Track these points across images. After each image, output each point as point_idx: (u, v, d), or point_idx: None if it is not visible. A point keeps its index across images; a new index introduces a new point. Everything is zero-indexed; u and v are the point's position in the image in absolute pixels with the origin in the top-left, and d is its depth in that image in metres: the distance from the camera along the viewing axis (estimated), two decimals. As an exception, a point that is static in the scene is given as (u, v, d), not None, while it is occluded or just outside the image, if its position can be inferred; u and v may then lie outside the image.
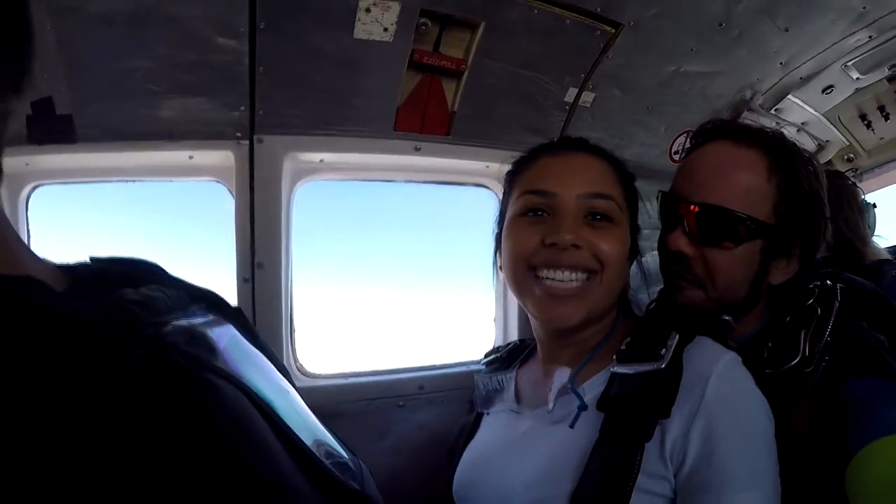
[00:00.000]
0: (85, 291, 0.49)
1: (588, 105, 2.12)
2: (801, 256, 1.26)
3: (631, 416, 0.98)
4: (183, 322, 0.55)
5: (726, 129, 1.28)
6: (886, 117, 2.84)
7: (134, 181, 1.87)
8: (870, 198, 2.48)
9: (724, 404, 0.94)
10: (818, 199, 1.23)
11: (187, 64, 1.59)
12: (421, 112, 1.93)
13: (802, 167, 1.21)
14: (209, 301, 0.67)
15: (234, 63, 1.63)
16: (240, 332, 0.70)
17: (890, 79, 2.59)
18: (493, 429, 1.30)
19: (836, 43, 2.23)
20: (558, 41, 1.91)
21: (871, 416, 0.99)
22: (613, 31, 1.93)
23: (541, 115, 2.09)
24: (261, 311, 1.87)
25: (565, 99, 2.08)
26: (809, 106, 2.62)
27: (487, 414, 1.34)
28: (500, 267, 1.26)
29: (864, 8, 2.05)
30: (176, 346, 0.48)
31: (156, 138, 1.70)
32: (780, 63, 2.28)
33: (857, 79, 2.52)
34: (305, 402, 1.85)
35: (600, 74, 2.04)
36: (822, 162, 3.00)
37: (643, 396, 0.98)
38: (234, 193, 1.83)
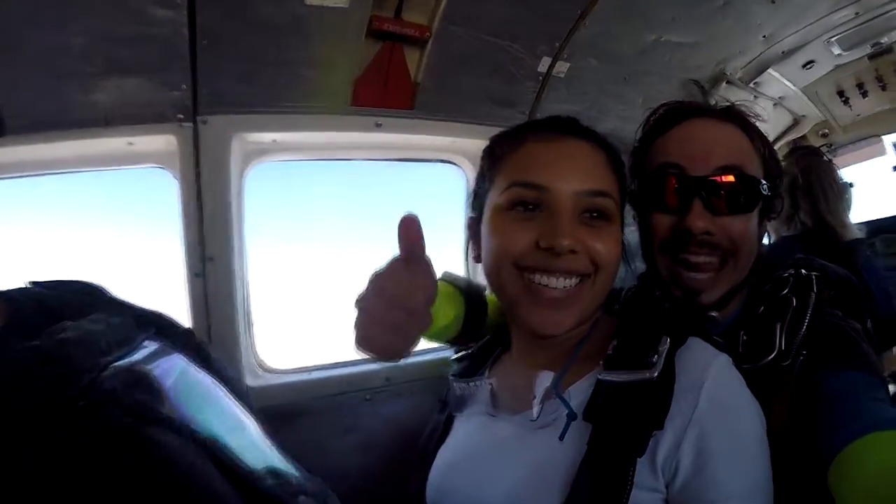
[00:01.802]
0: (24, 326, 0.47)
1: (562, 75, 1.93)
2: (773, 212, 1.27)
3: (623, 429, 0.89)
4: (125, 362, 0.52)
5: (698, 109, 1.24)
6: (864, 94, 2.80)
7: (70, 173, 1.63)
8: (843, 173, 2.42)
9: (717, 413, 0.87)
10: (779, 162, 1.27)
11: (121, 39, 1.37)
12: (382, 84, 1.70)
13: (765, 137, 1.24)
14: (157, 325, 0.63)
15: (172, 37, 1.42)
16: (192, 357, 0.66)
17: (871, 56, 2.53)
18: (467, 432, 1.18)
19: (820, 18, 2.13)
20: (532, 6, 1.71)
21: (852, 411, 0.94)
22: (591, -6, 1.73)
23: (512, 86, 1.90)
24: (215, 307, 1.67)
25: (538, 69, 1.88)
26: (788, 80, 2.54)
27: (461, 414, 1.22)
28: (476, 258, 1.12)
29: (852, -17, 1.92)
30: (116, 396, 0.46)
31: (91, 125, 1.49)
32: (763, 36, 2.15)
33: (839, 55, 2.45)
34: (268, 400, 1.65)
35: (576, 43, 1.84)
36: (797, 136, 2.93)
37: (635, 407, 0.89)
38: (179, 181, 1.61)
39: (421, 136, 1.87)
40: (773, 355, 1.07)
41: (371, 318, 0.95)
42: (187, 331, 0.71)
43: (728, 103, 1.27)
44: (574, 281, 0.98)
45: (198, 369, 0.68)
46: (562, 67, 1.89)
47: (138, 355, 0.56)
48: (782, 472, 0.92)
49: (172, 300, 1.65)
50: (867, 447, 0.87)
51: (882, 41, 2.43)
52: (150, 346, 0.60)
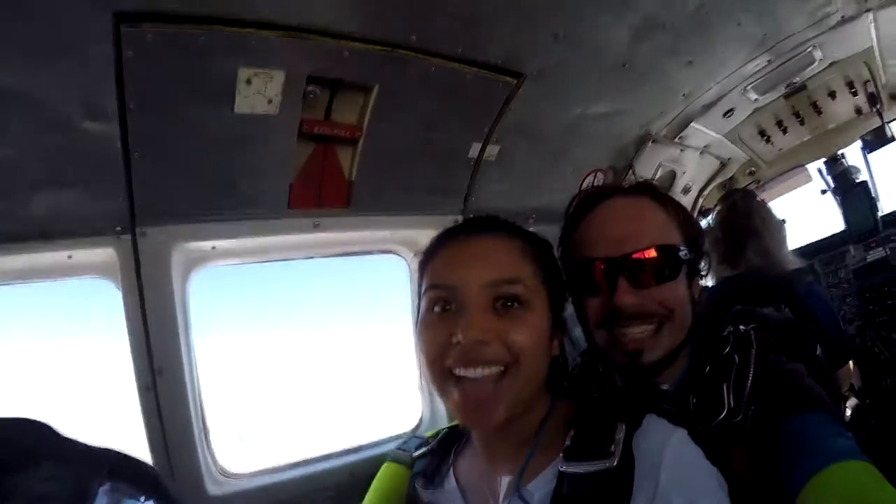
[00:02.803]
0: None
1: (493, 159, 1.95)
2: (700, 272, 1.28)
3: None
4: None
5: (609, 191, 1.27)
6: (784, 131, 2.93)
7: (8, 285, 1.56)
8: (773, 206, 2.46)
9: (678, 490, 0.87)
10: (695, 221, 1.29)
11: (54, 152, 1.35)
12: (317, 185, 1.69)
13: (677, 202, 1.27)
14: (110, 464, 0.59)
15: (106, 148, 1.39)
16: (150, 495, 0.62)
17: (787, 95, 2.64)
18: None
19: (736, 70, 2.20)
20: (459, 97, 1.73)
21: (811, 448, 0.96)
22: (516, 81, 1.76)
23: (445, 174, 1.91)
24: (168, 419, 1.60)
25: (469, 155, 1.90)
26: (711, 130, 2.62)
27: None
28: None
29: (763, 35, 2.02)
30: None
31: (26, 239, 1.43)
32: (683, 95, 2.21)
33: (756, 100, 2.54)
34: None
35: (504, 126, 1.87)
36: (726, 178, 3.02)
37: (598, 497, 0.89)
38: (121, 293, 1.55)
39: (359, 232, 1.85)
40: (723, 414, 1.08)
41: None
42: (142, 465, 0.66)
43: (639, 180, 1.34)
44: (494, 370, 0.96)
45: None
46: (492, 151, 1.91)
47: None
48: None
49: (125, 412, 1.59)
50: (829, 478, 0.89)
51: (795, 81, 2.55)
52: (104, 497, 0.56)
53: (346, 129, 1.64)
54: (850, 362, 2.32)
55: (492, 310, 0.98)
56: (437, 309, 1.01)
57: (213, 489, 1.65)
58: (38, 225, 1.43)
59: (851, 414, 2.50)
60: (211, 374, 1.74)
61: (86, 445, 0.59)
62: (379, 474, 1.35)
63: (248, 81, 1.44)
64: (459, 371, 0.96)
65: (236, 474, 1.75)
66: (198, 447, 1.64)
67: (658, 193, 1.25)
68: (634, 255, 1.14)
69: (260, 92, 1.47)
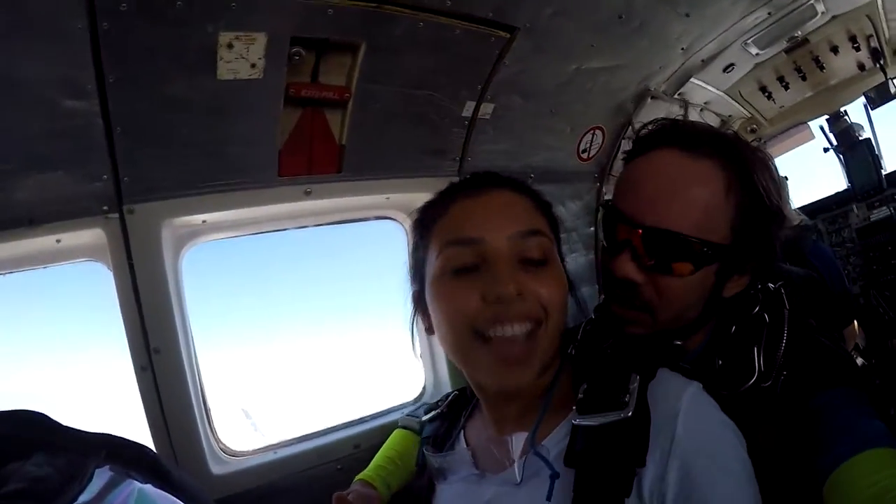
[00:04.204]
0: None
1: (488, 117, 1.85)
2: (754, 269, 1.07)
3: (606, 472, 0.84)
4: None
5: (675, 135, 1.04)
6: (786, 87, 2.80)
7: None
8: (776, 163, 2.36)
9: (696, 440, 0.83)
10: (778, 213, 1.03)
11: (35, 135, 1.27)
12: (307, 151, 1.60)
13: (763, 179, 1.00)
14: (106, 447, 0.57)
15: (87, 127, 1.31)
16: (147, 476, 0.60)
17: (788, 50, 2.52)
18: (452, 498, 1.09)
19: (735, 23, 2.09)
20: (450, 54, 1.63)
21: (843, 428, 0.90)
22: (508, 35, 1.66)
23: (439, 134, 1.81)
24: (167, 399, 1.52)
25: (463, 114, 1.80)
26: (711, 85, 2.52)
27: (444, 480, 1.12)
28: (428, 330, 1.03)
29: (762, -14, 1.88)
30: None
31: (14, 226, 1.36)
32: (682, 49, 2.10)
33: (757, 54, 2.43)
34: (238, 486, 1.51)
35: (498, 83, 1.77)
36: None
37: (615, 449, 0.84)
38: (113, 274, 1.48)
39: (353, 197, 1.75)
40: (753, 379, 1.00)
41: None
42: (141, 448, 0.65)
43: (718, 130, 1.07)
44: (528, 326, 0.91)
45: (155, 490, 0.60)
46: (487, 109, 1.81)
47: (88, 495, 0.51)
48: (775, 491, 0.86)
49: (124, 394, 1.52)
50: (860, 465, 0.84)
51: (796, 35, 2.43)
52: (101, 477, 0.54)
53: (334, 92, 1.54)
54: (855, 322, 2.23)
55: (518, 264, 0.92)
56: (457, 269, 0.93)
57: (216, 469, 1.58)
58: (23, 210, 1.35)
59: (856, 375, 2.42)
60: (211, 351, 1.66)
61: (82, 432, 0.57)
62: (389, 439, 1.28)
63: (230, 46, 1.35)
64: (494, 331, 0.90)
65: (240, 452, 1.68)
66: (199, 426, 1.57)
67: (733, 158, 1.00)
68: (645, 231, 1.00)
69: (242, 56, 1.38)
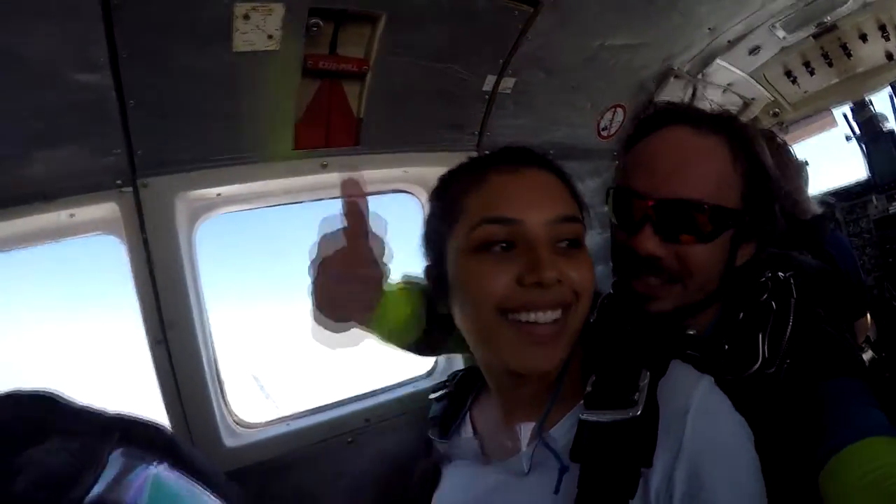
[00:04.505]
0: None
1: (509, 91, 1.79)
2: (760, 237, 1.13)
3: (611, 470, 0.83)
4: (92, 495, 0.45)
5: (681, 114, 1.10)
6: (812, 72, 2.75)
7: (10, 251, 1.46)
8: (797, 149, 2.35)
9: (705, 439, 0.81)
10: (776, 179, 1.12)
11: (48, 110, 1.24)
12: (324, 124, 1.56)
13: (761, 150, 1.09)
14: (121, 429, 0.54)
15: (100, 101, 1.27)
16: (164, 458, 0.57)
17: (816, 35, 2.47)
18: (458, 483, 1.10)
19: (765, 5, 2.02)
20: (471, 27, 1.58)
21: (843, 417, 0.91)
22: (532, 9, 1.60)
23: (459, 108, 1.76)
24: (181, 373, 1.51)
25: (484, 88, 1.75)
26: (736, 67, 2.45)
27: (449, 464, 1.13)
28: (440, 306, 1.02)
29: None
30: None
31: (27, 201, 1.34)
32: (709, 29, 2.04)
33: (784, 38, 2.37)
34: (251, 458, 1.52)
35: (520, 58, 1.71)
36: (748, 118, 2.89)
37: (621, 447, 0.83)
38: (126, 248, 1.46)
39: (370, 171, 1.71)
40: (757, 365, 1.02)
41: (328, 275, 1.00)
42: (155, 428, 0.61)
43: (720, 109, 1.15)
44: (558, 313, 0.90)
45: (172, 472, 0.58)
46: (507, 83, 1.76)
47: (103, 483, 0.48)
48: (773, 477, 0.86)
49: (138, 369, 1.52)
50: (859, 453, 0.84)
51: (825, 20, 2.37)
52: (116, 463, 0.52)
53: (352, 64, 1.50)
54: (868, 315, 2.21)
55: (553, 248, 0.91)
56: (495, 248, 0.91)
57: (229, 441, 1.58)
58: (37, 186, 1.33)
59: (866, 367, 2.39)
60: (226, 325, 1.65)
61: (95, 413, 0.55)
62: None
63: (246, 17, 1.30)
64: (525, 316, 0.89)
65: (253, 424, 1.68)
66: (213, 399, 1.56)
67: (735, 134, 1.07)
68: (666, 203, 1.02)
69: (259, 27, 1.33)
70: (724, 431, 0.85)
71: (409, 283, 1.19)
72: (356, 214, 1.01)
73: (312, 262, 1.03)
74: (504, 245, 0.90)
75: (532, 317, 0.88)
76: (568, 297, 0.90)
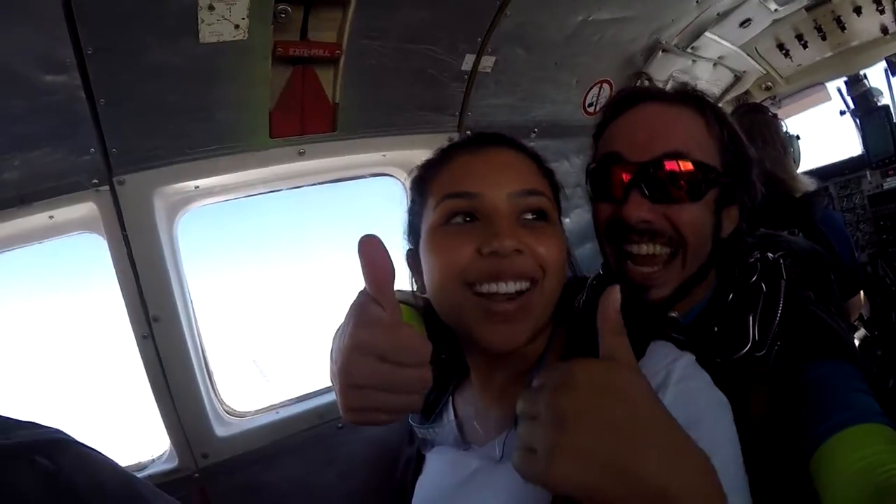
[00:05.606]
0: None
1: (489, 70, 1.73)
2: (741, 204, 1.13)
3: None
4: None
5: (647, 93, 1.12)
6: (805, 45, 2.66)
7: None
8: (790, 123, 2.25)
9: (684, 416, 0.74)
10: (746, 146, 1.13)
11: (19, 114, 1.22)
12: (298, 111, 1.51)
13: (727, 118, 1.11)
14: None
15: (70, 101, 1.26)
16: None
17: (809, 7, 2.38)
18: (439, 468, 1.07)
19: None
20: (447, 5, 1.52)
21: (834, 403, 0.89)
22: (511, -15, 1.53)
23: (437, 89, 1.70)
24: (170, 366, 1.50)
25: (463, 68, 1.68)
26: (726, 40, 2.35)
27: (431, 450, 1.10)
28: (420, 290, 1.00)
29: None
30: None
31: (6, 206, 1.32)
32: (697, 1, 1.93)
33: (776, 10, 2.28)
34: (243, 447, 1.49)
35: (499, 35, 1.64)
36: (740, 92, 2.80)
37: None
38: (108, 245, 1.44)
39: (349, 156, 1.67)
40: (747, 348, 1.00)
41: (357, 379, 0.71)
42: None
43: (683, 85, 1.18)
44: (524, 285, 0.87)
45: None
46: (487, 62, 1.69)
47: None
48: (762, 462, 0.85)
49: (127, 363, 1.50)
50: (849, 440, 0.83)
51: None
52: None
53: (324, 49, 1.43)
54: (861, 292, 2.16)
55: (518, 221, 0.88)
56: (454, 221, 0.89)
57: (220, 430, 1.57)
58: (13, 190, 1.31)
59: (859, 345, 2.31)
60: (214, 315, 1.62)
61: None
62: None
63: (211, 7, 1.26)
64: (487, 287, 0.85)
65: (243, 413, 1.67)
66: (202, 389, 1.55)
67: (703, 104, 1.09)
68: (652, 164, 1.02)
69: (225, 17, 1.28)
70: (704, 410, 0.82)
71: (406, 304, 1.16)
72: (382, 285, 0.73)
73: (338, 347, 0.77)
74: (468, 218, 0.89)
75: (494, 287, 0.85)
76: (532, 269, 0.87)
